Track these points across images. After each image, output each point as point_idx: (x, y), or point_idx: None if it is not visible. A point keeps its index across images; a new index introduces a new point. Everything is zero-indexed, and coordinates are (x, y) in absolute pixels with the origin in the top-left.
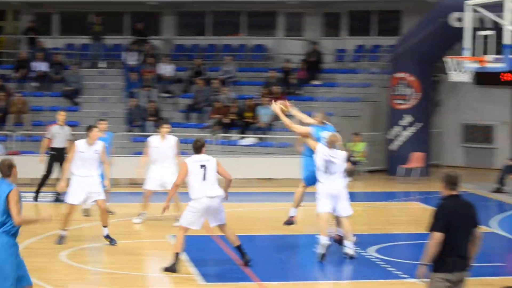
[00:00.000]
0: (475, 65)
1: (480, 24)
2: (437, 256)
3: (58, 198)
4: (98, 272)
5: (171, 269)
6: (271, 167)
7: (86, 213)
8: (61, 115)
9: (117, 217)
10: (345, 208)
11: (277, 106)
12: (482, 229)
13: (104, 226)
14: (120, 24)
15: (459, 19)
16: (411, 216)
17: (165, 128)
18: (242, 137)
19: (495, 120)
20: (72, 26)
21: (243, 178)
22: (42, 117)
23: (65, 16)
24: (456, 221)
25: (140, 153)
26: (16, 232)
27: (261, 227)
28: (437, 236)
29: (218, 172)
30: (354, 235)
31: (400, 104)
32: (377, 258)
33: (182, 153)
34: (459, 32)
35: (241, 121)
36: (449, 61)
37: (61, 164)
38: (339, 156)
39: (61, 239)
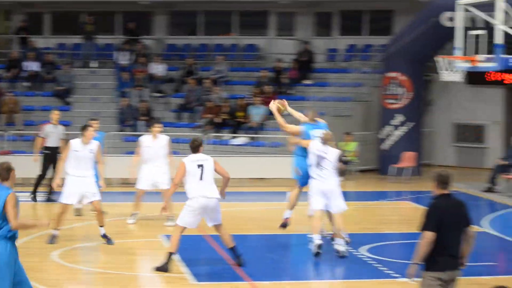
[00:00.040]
0: (467, 65)
1: (472, 24)
2: (429, 255)
3: (50, 197)
4: (90, 272)
5: (163, 268)
6: (262, 166)
7: (78, 212)
8: (55, 114)
9: (109, 216)
10: (338, 205)
11: (274, 105)
12: (473, 228)
13: (101, 226)
14: (111, 23)
15: (451, 19)
16: (402, 216)
17: (157, 127)
18: (234, 137)
19: (486, 120)
20: (64, 26)
21: (234, 178)
22: (33, 117)
23: (57, 16)
24: (447, 220)
25: (132, 152)
26: (13, 236)
27: (253, 226)
28: (429, 235)
29: (216, 171)
30: (348, 235)
31: (392, 103)
32: (369, 257)
33: (174, 152)
34: (450, 31)
35: (232, 120)
36: (441, 60)
37: (54, 164)
38: (331, 153)
39: (53, 239)
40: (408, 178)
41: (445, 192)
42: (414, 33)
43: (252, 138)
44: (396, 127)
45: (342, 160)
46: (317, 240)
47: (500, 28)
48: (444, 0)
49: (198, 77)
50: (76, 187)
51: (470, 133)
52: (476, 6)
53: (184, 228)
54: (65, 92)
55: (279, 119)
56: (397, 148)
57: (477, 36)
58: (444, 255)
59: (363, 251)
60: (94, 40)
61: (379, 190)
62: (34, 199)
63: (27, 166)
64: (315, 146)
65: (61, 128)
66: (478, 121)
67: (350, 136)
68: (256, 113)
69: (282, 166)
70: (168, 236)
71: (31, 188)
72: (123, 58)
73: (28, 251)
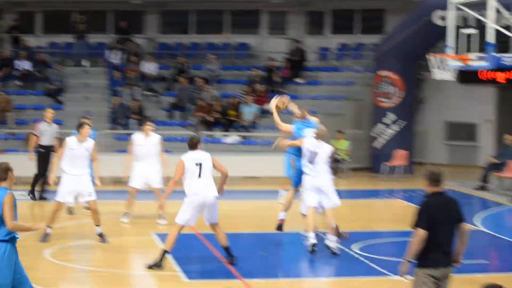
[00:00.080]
0: (459, 63)
1: (464, 23)
2: (422, 252)
3: (42, 196)
4: (82, 270)
5: (155, 265)
6: (255, 165)
7: (70, 211)
8: (49, 113)
9: (101, 215)
10: (331, 200)
11: (274, 102)
12: (466, 226)
13: (97, 225)
14: (103, 22)
15: (443, 18)
16: (394, 214)
17: (149, 126)
18: (226, 135)
19: (478, 118)
20: (56, 25)
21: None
22: (25, 116)
23: (48, 15)
24: (440, 218)
25: (124, 151)
26: (13, 238)
27: (245, 225)
28: (421, 233)
29: (214, 167)
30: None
31: (384, 102)
32: (361, 255)
33: (166, 151)
34: (442, 30)
35: (224, 119)
36: (433, 59)
37: (48, 162)
38: (324, 148)
39: (45, 237)
40: (400, 176)
41: (437, 190)
42: (406, 32)
43: (244, 136)
44: (388, 125)
45: (334, 158)
46: (311, 239)
47: (492, 27)
48: None
49: (190, 75)
50: (72, 185)
51: (462, 132)
52: (468, 5)
53: (183, 226)
54: (57, 91)
55: (275, 116)
56: (389, 146)
57: (469, 35)
58: (437, 252)
59: (355, 249)
60: (86, 39)
61: (371, 188)
62: (33, 198)
63: (19, 164)
64: (308, 142)
65: (55, 126)
66: (470, 120)
67: (342, 135)
68: (248, 112)
69: (274, 165)
70: (160, 235)
71: (23, 187)
72: (115, 57)
73: (20, 249)
